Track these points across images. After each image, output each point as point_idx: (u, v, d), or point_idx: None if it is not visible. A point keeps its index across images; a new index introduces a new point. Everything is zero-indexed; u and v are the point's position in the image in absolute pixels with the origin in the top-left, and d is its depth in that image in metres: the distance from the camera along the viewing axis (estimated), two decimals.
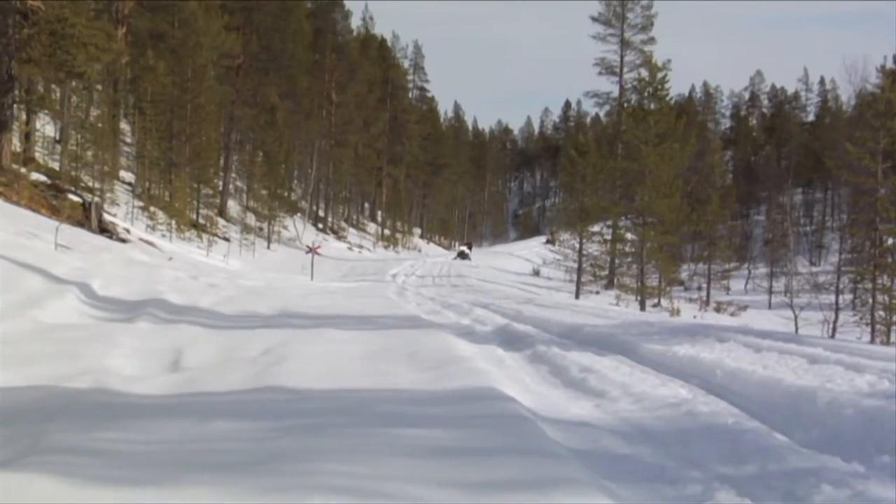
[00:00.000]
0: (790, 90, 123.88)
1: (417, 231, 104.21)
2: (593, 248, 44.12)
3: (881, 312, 28.31)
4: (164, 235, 37.92)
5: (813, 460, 4.82)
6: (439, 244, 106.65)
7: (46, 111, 39.85)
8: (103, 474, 4.05)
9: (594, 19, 63.91)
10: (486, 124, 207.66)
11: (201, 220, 47.18)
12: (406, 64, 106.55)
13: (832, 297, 31.91)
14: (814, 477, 4.42)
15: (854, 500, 4.12)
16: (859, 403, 5.66)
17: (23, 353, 7.74)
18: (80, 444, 4.59)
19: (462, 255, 66.99)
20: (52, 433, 4.82)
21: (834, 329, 28.23)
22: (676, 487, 4.43)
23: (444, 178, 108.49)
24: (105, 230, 26.59)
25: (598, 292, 42.99)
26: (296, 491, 3.78)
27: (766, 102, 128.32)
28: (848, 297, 33.51)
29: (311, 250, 37.11)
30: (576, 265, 43.53)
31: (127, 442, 4.74)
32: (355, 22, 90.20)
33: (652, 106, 43.74)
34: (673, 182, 41.02)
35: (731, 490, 4.28)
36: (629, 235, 43.52)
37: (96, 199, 30.68)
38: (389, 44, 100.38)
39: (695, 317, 31.06)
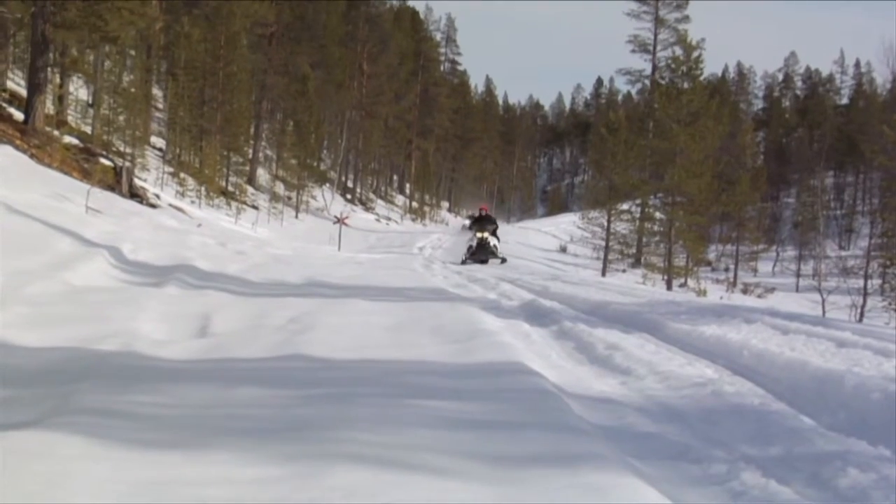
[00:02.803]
0: (825, 72, 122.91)
1: (445, 204, 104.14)
2: (621, 227, 44.02)
3: None
4: (193, 202, 38.09)
5: (839, 443, 4.79)
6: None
7: (80, 75, 39.99)
8: (131, 436, 4.09)
9: None
10: (517, 99, 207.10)
11: (230, 188, 47.38)
12: (438, 37, 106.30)
13: (861, 282, 31.72)
14: (840, 460, 4.40)
15: (880, 483, 4.10)
16: (887, 388, 5.61)
17: (53, 314, 7.80)
18: (107, 406, 4.63)
19: (480, 252, 29.33)
20: (80, 394, 4.86)
21: (861, 313, 28.05)
22: (701, 466, 4.43)
23: (474, 153, 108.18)
24: (135, 195, 26.73)
25: (624, 270, 42.88)
26: (320, 458, 3.80)
27: (799, 84, 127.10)
28: (877, 281, 33.28)
29: (339, 221, 37.23)
30: (603, 243, 43.45)
31: (154, 405, 4.77)
32: None
33: (685, 85, 43.42)
34: (703, 162, 40.78)
35: (756, 471, 4.27)
36: (658, 214, 43.37)
37: (127, 163, 30.82)
38: (422, 16, 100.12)
39: (721, 297, 30.91)
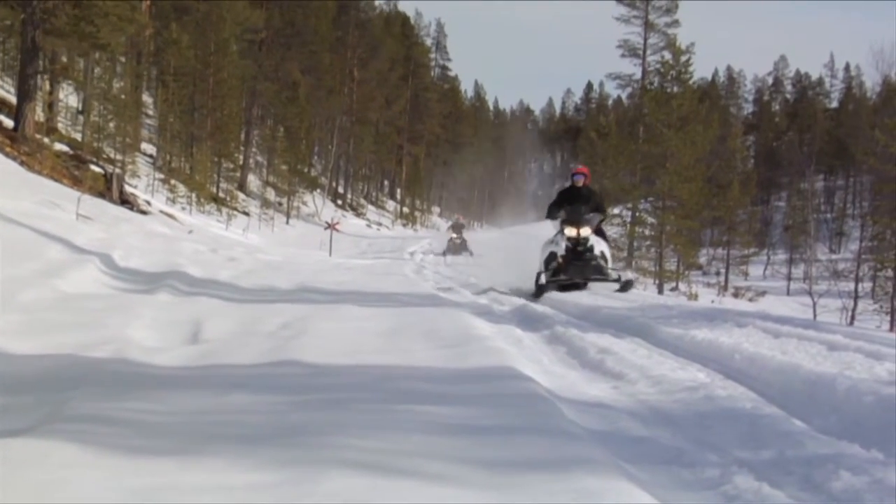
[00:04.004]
0: (814, 76, 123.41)
1: (436, 209, 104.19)
2: (612, 231, 44.02)
3: None
4: (184, 208, 38.08)
5: (831, 447, 4.79)
6: None
7: (70, 82, 39.96)
8: (125, 443, 4.08)
9: (618, 0, 63.63)
10: (508, 104, 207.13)
11: (221, 194, 47.33)
12: (429, 42, 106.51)
13: (851, 285, 31.82)
14: (832, 463, 4.41)
15: (873, 486, 4.11)
16: (879, 391, 5.61)
17: (45, 321, 7.79)
18: (101, 414, 4.62)
19: (575, 268, 15.64)
20: (73, 401, 4.85)
21: (852, 317, 28.16)
22: (694, 471, 4.42)
23: (465, 158, 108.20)
24: (126, 201, 26.68)
25: None
26: (314, 464, 3.79)
27: (789, 88, 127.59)
28: (867, 284, 33.40)
29: (330, 226, 37.13)
30: None
31: (147, 412, 4.76)
32: None
33: (675, 89, 43.51)
34: (694, 166, 40.86)
35: (749, 474, 4.26)
36: (649, 219, 43.42)
37: (118, 170, 30.79)
38: (412, 21, 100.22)
39: (713, 301, 31.01)
